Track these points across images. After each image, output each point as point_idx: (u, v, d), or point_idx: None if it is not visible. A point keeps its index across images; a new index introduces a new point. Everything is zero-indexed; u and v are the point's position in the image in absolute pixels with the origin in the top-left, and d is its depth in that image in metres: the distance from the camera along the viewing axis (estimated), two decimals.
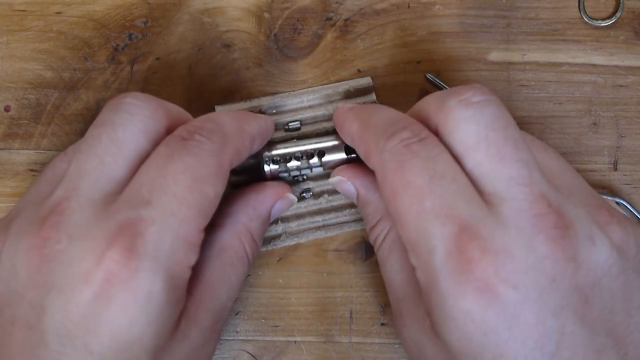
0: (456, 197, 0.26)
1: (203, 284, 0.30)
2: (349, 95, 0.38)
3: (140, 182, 0.27)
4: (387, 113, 0.31)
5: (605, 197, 0.37)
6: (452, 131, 0.28)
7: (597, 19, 0.38)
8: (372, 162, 0.30)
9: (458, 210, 0.26)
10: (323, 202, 0.37)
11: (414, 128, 0.29)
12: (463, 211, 0.26)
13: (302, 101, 0.38)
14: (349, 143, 0.34)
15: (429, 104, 0.30)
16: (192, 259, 0.28)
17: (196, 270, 0.30)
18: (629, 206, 0.37)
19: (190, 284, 0.29)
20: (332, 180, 0.36)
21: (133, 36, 0.39)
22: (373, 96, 0.38)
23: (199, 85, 0.38)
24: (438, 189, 0.26)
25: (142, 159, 0.29)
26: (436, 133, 0.29)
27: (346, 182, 0.35)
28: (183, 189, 0.27)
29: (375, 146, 0.29)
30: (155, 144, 0.29)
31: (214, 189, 0.28)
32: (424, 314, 0.28)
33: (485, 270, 0.24)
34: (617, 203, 0.37)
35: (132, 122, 0.29)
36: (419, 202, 0.26)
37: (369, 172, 0.34)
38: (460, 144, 0.28)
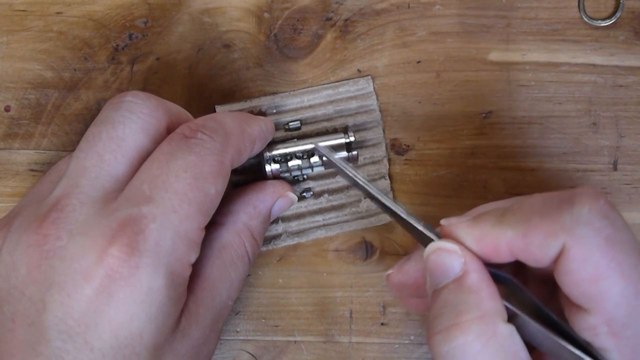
0: None
1: (204, 282, 0.30)
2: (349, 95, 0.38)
3: (141, 179, 0.27)
4: None
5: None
6: None
7: (597, 19, 0.38)
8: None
9: None
10: (323, 201, 0.37)
11: None
12: None
13: (302, 101, 0.38)
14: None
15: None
16: (193, 256, 0.28)
17: (197, 269, 0.30)
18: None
19: (191, 282, 0.29)
20: (429, 249, 0.27)
21: (133, 36, 0.39)
22: (373, 97, 0.38)
23: (199, 85, 0.38)
24: None
25: (143, 157, 0.29)
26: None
27: (450, 255, 0.26)
28: (184, 186, 0.27)
29: None
30: (156, 142, 0.29)
31: (215, 187, 0.28)
32: None
33: None
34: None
35: (132, 120, 0.29)
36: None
37: (495, 235, 0.26)
38: None
